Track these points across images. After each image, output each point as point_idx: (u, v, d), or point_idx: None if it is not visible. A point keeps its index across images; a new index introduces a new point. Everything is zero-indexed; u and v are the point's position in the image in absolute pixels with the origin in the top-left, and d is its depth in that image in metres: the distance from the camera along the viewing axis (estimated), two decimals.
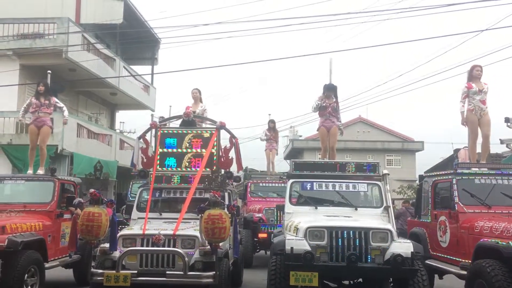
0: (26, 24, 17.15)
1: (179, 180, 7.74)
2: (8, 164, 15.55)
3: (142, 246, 6.32)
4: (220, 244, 6.20)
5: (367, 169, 7.53)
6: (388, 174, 7.42)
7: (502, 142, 14.17)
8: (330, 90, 9.86)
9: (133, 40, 22.73)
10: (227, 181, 7.94)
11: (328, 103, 9.77)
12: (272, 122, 14.81)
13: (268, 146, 14.57)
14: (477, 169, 7.59)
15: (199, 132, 8.14)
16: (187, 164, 7.85)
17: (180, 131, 8.15)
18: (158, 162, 7.85)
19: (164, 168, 7.85)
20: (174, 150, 7.94)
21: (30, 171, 8.90)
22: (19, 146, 15.11)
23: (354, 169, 7.52)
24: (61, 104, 9.40)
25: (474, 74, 8.39)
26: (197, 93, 10.28)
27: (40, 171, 8.81)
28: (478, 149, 8.56)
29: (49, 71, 10.16)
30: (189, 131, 8.09)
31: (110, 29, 21.26)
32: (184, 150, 7.94)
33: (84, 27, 19.30)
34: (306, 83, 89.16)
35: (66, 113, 9.46)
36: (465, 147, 9.71)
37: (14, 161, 15.35)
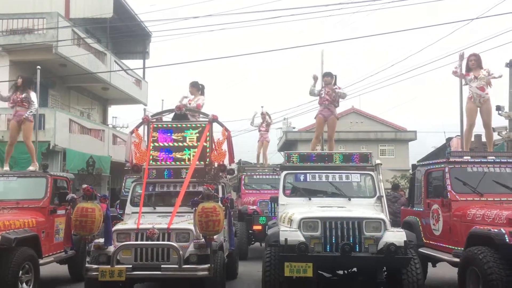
0: (15, 19, 17.03)
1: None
2: None
3: (136, 240, 6.32)
4: (215, 237, 6.20)
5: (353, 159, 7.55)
6: (381, 164, 7.45)
7: (493, 130, 14.21)
8: (326, 75, 9.97)
9: (124, 34, 22.60)
10: (220, 174, 7.94)
11: (326, 91, 9.77)
12: (263, 114, 15.02)
13: (260, 138, 14.79)
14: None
15: (190, 125, 8.11)
16: (180, 157, 7.84)
17: (172, 125, 8.13)
18: (151, 156, 7.83)
19: (158, 163, 7.82)
20: (168, 143, 7.92)
21: (6, 168, 8.76)
22: None
23: (342, 159, 7.55)
24: (34, 100, 8.85)
25: (469, 65, 8.34)
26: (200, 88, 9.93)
27: (32, 168, 8.68)
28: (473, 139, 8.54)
29: (39, 67, 10.04)
30: (181, 125, 8.06)
31: (100, 24, 21.14)
32: (176, 144, 7.92)
33: (74, 22, 19.16)
34: (299, 75, 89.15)
35: (34, 107, 8.82)
36: (457, 135, 9.74)
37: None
